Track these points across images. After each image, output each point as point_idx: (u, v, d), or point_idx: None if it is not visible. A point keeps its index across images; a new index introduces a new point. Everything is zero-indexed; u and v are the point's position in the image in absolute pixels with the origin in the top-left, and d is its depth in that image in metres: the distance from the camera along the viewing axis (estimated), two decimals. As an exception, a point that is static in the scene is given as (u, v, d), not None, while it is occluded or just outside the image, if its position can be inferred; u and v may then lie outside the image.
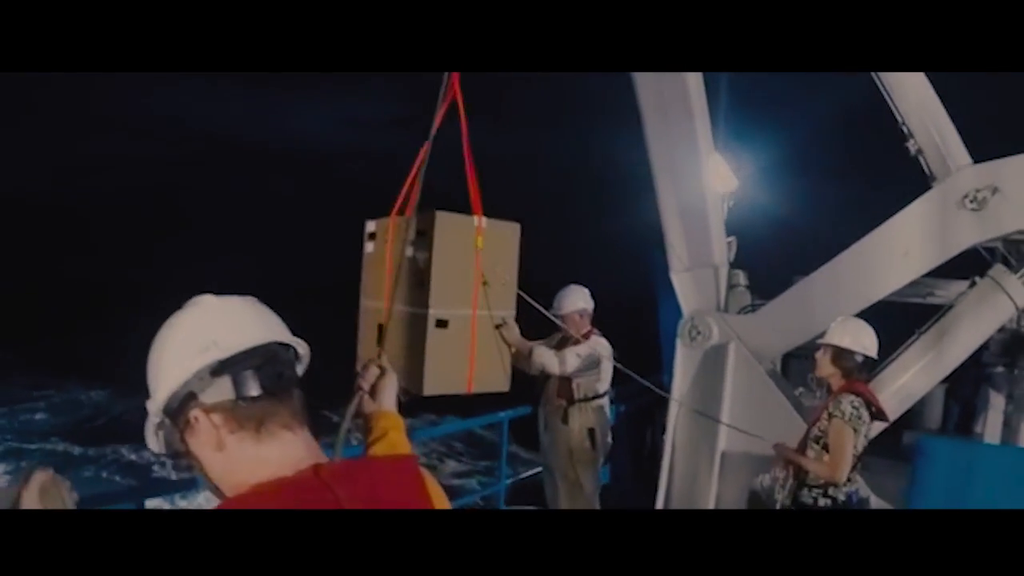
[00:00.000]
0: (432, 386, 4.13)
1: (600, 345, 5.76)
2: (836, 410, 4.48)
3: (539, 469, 6.16)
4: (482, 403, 4.95)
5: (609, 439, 5.96)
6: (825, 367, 4.73)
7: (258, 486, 1.26)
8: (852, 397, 4.49)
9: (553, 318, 5.65)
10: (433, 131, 3.41)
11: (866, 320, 5.02)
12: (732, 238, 6.46)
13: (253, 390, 1.32)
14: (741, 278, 6.62)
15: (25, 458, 22.10)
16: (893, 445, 8.07)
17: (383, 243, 4.24)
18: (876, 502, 5.88)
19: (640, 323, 8.14)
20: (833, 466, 4.42)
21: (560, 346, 5.76)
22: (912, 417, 8.31)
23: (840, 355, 4.65)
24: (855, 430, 4.42)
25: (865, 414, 4.49)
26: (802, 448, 4.66)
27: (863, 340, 4.67)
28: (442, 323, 4.09)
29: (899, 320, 6.95)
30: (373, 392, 1.90)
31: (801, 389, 6.26)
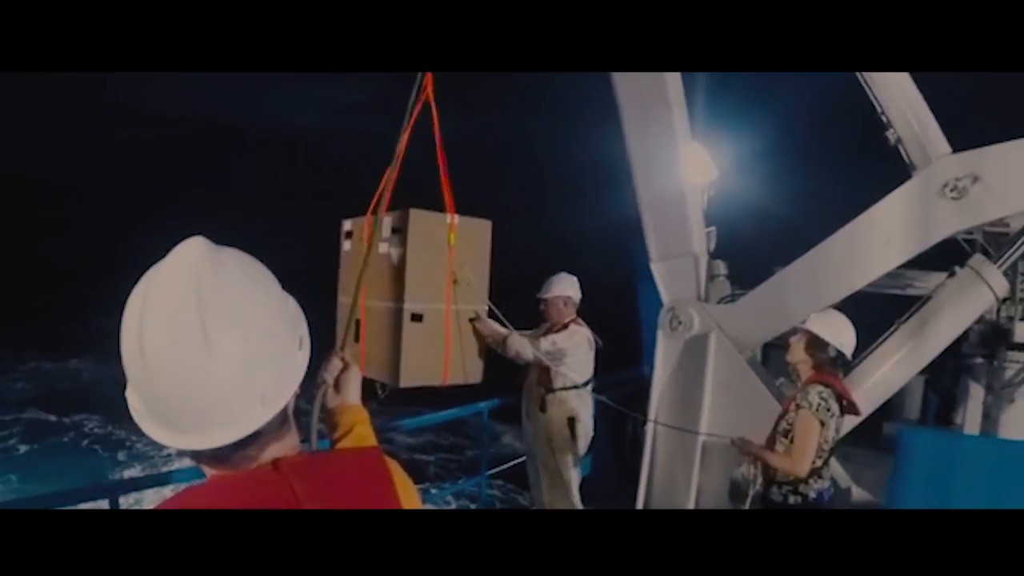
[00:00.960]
0: (408, 378, 4.24)
1: (578, 334, 5.77)
2: (803, 401, 4.38)
3: (522, 458, 6.20)
4: (455, 395, 4.96)
5: (591, 429, 5.94)
6: (797, 353, 4.66)
7: (218, 478, 1.26)
8: (821, 388, 4.41)
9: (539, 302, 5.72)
10: (406, 134, 3.48)
11: (845, 311, 5.05)
12: (711, 228, 6.46)
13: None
14: (721, 268, 6.64)
15: (4, 428, 22.89)
16: (873, 436, 8.17)
17: (359, 241, 4.31)
18: (857, 494, 5.97)
19: (621, 314, 8.17)
20: (796, 459, 4.31)
21: (545, 335, 5.79)
22: (892, 408, 8.39)
23: (815, 344, 4.57)
24: (822, 422, 4.32)
25: (835, 406, 4.39)
26: (771, 442, 4.58)
27: (842, 336, 4.60)
28: (417, 317, 4.22)
29: (878, 312, 7.02)
30: (336, 385, 1.87)
31: (782, 379, 6.29)
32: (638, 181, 6.22)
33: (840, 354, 4.57)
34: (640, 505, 6.60)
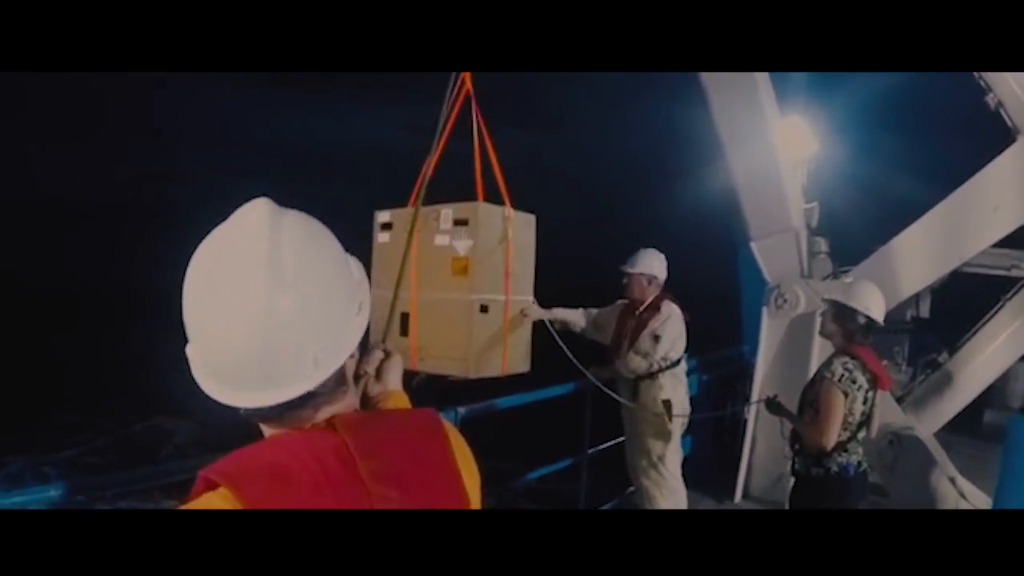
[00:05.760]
0: (477, 369, 4.42)
1: (673, 312, 5.71)
2: (827, 371, 4.39)
3: (621, 439, 6.26)
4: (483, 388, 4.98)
5: (687, 407, 5.92)
6: (827, 325, 4.63)
7: (274, 437, 1.32)
8: (845, 359, 4.39)
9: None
10: (448, 129, 3.77)
11: (948, 293, 5.18)
12: (813, 204, 6.64)
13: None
14: (822, 245, 6.80)
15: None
16: (974, 424, 8.30)
17: (405, 233, 4.36)
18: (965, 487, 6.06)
19: (722, 293, 8.36)
20: (820, 429, 4.31)
21: (625, 315, 5.87)
22: (993, 395, 8.53)
23: (842, 313, 4.53)
24: (845, 393, 4.30)
25: (860, 378, 4.34)
26: (800, 413, 4.59)
27: (868, 301, 4.50)
28: (484, 308, 4.41)
29: (983, 293, 7.20)
30: (378, 374, 1.92)
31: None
32: (730, 159, 6.40)
33: (870, 321, 4.49)
34: (740, 489, 6.84)
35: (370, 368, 1.91)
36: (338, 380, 1.35)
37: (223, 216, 1.29)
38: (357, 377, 1.82)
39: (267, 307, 1.21)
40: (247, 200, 1.30)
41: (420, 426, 1.46)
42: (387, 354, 1.96)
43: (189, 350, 1.30)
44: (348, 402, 1.41)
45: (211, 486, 1.21)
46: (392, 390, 1.89)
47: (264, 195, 1.31)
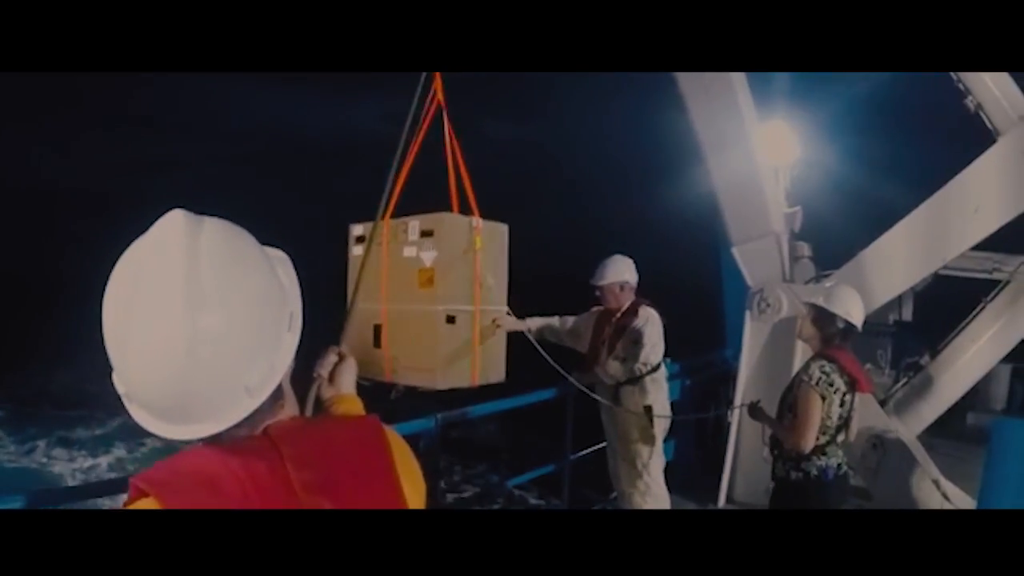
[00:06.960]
0: (444, 380, 4.40)
1: (652, 315, 5.67)
2: (804, 374, 4.41)
3: (603, 444, 6.27)
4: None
5: (669, 413, 5.87)
6: (806, 328, 4.65)
7: (208, 445, 1.26)
8: (823, 362, 4.40)
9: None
10: (421, 134, 3.79)
11: (930, 296, 5.21)
12: (796, 208, 6.68)
13: None
14: (805, 250, 6.84)
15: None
16: (958, 426, 8.35)
17: (377, 245, 4.41)
18: (948, 488, 6.10)
19: (703, 297, 8.39)
20: (797, 432, 4.33)
21: (602, 321, 5.87)
22: (976, 397, 8.58)
23: (821, 317, 4.54)
24: (823, 396, 4.32)
25: (838, 381, 4.36)
26: (780, 417, 4.61)
27: (848, 306, 4.53)
28: (451, 319, 4.40)
29: (965, 296, 7.25)
30: (331, 378, 1.94)
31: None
32: (710, 163, 6.42)
33: (849, 326, 4.52)
34: (723, 494, 6.86)
35: (323, 371, 1.93)
36: (274, 396, 1.31)
37: (212, 204, 1.24)
38: (311, 380, 1.86)
39: (188, 327, 1.14)
40: (236, 188, 1.22)
41: (360, 435, 1.42)
42: (341, 357, 1.97)
43: (115, 379, 1.23)
44: (287, 412, 1.38)
45: (142, 493, 1.17)
46: (345, 394, 1.91)
47: (179, 207, 1.23)
